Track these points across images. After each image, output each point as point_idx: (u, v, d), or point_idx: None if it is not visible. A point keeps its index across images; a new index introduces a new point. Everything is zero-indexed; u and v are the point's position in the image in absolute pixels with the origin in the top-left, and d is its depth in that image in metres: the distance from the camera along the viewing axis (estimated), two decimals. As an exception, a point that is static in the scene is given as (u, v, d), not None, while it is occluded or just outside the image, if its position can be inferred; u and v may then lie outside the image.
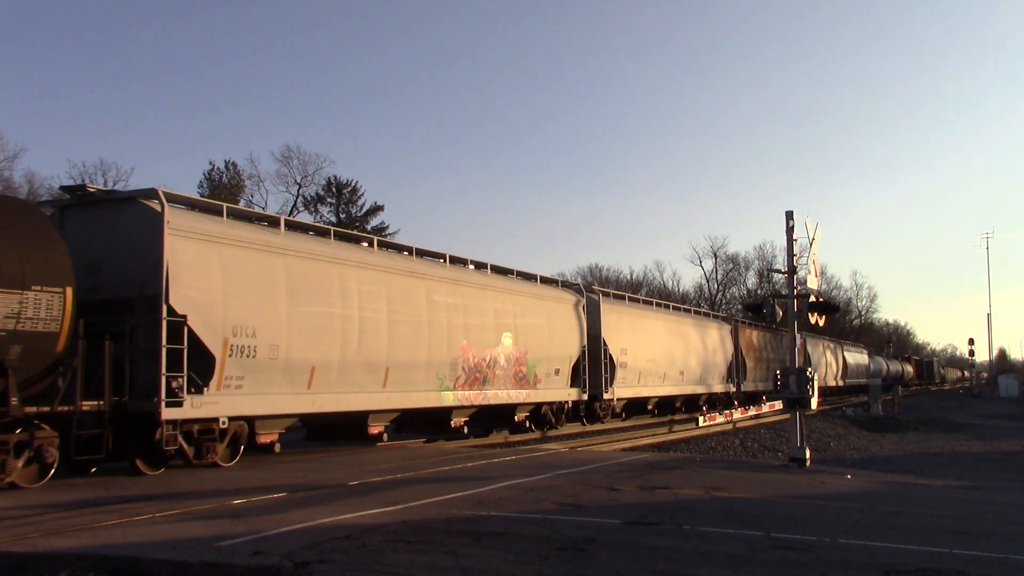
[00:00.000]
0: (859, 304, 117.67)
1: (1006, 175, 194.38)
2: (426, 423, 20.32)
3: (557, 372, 24.08)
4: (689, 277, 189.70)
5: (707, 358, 36.51)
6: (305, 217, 60.70)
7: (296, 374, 15.07)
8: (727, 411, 32.41)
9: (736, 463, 19.21)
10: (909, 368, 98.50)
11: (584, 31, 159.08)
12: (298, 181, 62.23)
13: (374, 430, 17.84)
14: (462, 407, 20.28)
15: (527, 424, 23.86)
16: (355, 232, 18.22)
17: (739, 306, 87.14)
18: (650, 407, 32.17)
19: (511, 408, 22.62)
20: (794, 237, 17.38)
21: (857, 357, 71.07)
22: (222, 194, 53.62)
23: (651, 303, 34.94)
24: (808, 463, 16.89)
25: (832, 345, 61.31)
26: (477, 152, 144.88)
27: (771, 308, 18.19)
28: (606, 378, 26.72)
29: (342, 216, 63.16)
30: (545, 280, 25.35)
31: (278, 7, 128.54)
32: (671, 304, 37.35)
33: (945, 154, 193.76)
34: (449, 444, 21.43)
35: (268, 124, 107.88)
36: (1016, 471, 22.95)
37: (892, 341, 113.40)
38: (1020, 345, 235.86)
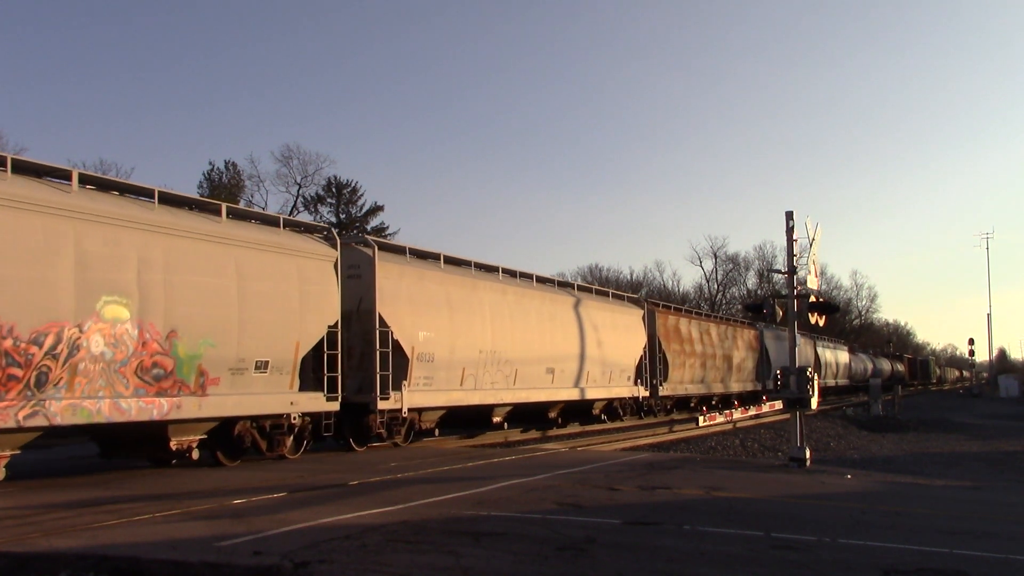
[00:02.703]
0: (859, 304, 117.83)
1: (1006, 175, 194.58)
2: None
3: (262, 367, 14.74)
4: (689, 277, 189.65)
5: (601, 352, 26.61)
6: (305, 217, 60.60)
7: None
8: (727, 411, 32.26)
9: (736, 463, 19.21)
10: (901, 367, 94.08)
11: (584, 31, 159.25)
12: (298, 181, 62.29)
13: None
14: None
15: (190, 455, 14.12)
16: None
17: (739, 306, 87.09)
18: (497, 419, 22.51)
19: (151, 428, 13.29)
20: (794, 237, 17.38)
21: (836, 355, 63.82)
22: (222, 194, 53.61)
23: (495, 270, 23.08)
24: (808, 463, 16.89)
25: (804, 340, 52.95)
26: (477, 152, 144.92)
27: (771, 308, 18.20)
28: (383, 377, 17.49)
29: (342, 216, 63.21)
30: (237, 213, 15.97)
31: (278, 6, 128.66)
32: (535, 276, 25.25)
33: (945, 154, 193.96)
34: (449, 444, 21.44)
35: (268, 124, 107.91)
36: (1016, 471, 22.95)
37: (892, 341, 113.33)
38: (1020, 345, 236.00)
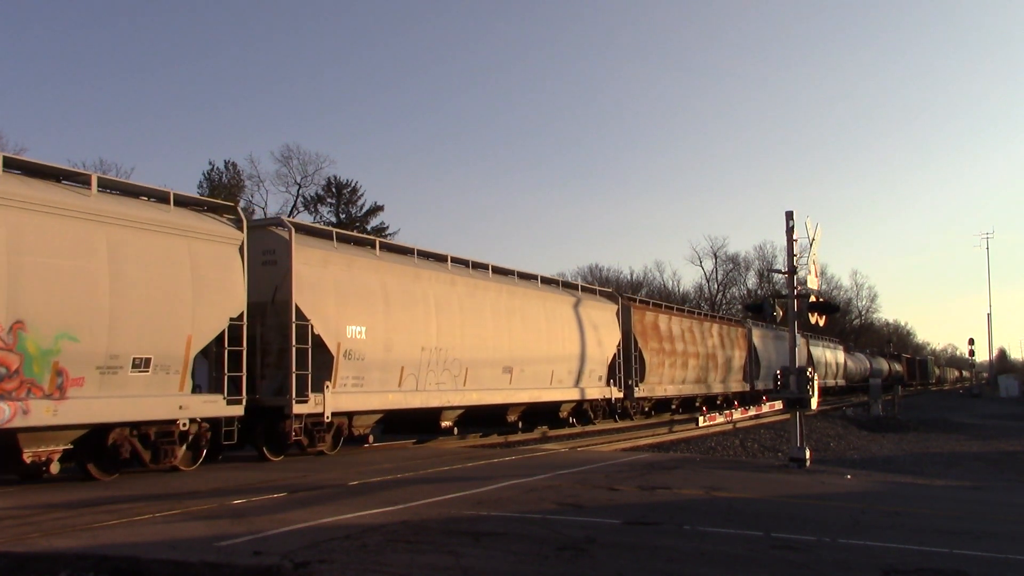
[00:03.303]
0: (859, 304, 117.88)
1: (1006, 175, 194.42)
2: None
3: (142, 366, 12.53)
4: (689, 277, 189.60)
5: (568, 350, 24.75)
6: (305, 218, 60.62)
7: None
8: (727, 411, 32.23)
9: (736, 463, 19.22)
10: (899, 367, 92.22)
11: (584, 30, 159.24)
12: (298, 181, 62.40)
13: None
14: None
15: (46, 469, 11.97)
16: None
17: (739, 306, 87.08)
18: (446, 424, 20.55)
19: None
20: (794, 237, 17.38)
21: (832, 355, 61.67)
22: (222, 194, 53.66)
23: (443, 259, 20.86)
24: (808, 463, 16.90)
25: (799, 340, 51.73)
26: (477, 152, 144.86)
27: (771, 308, 18.21)
28: (300, 377, 15.32)
29: (342, 216, 63.22)
30: (115, 186, 13.70)
31: (278, 6, 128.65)
32: (491, 266, 22.81)
33: (945, 154, 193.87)
34: (449, 444, 21.45)
35: (268, 124, 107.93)
36: (1016, 471, 22.96)
37: (892, 341, 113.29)
38: (1020, 345, 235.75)
